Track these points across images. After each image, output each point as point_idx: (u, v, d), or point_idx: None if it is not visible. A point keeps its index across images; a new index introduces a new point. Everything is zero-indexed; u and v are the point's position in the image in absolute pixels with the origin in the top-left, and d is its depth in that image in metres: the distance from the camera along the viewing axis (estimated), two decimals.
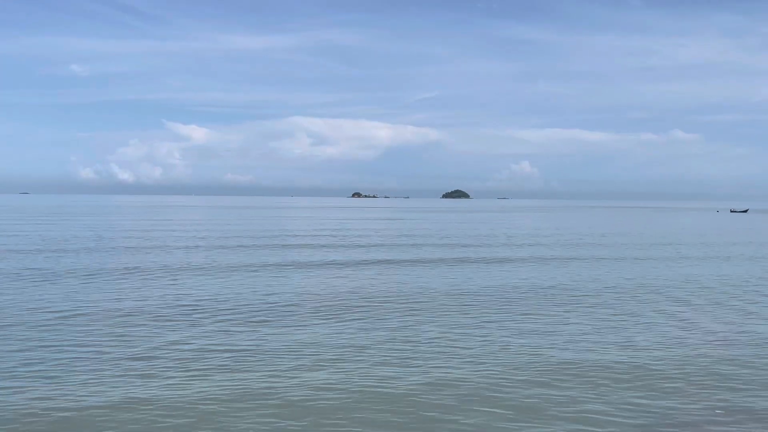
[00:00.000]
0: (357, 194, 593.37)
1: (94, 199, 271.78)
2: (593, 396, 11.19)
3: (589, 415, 10.21)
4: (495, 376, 12.23)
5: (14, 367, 12.41)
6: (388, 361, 13.12)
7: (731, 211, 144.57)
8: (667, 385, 11.89)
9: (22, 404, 10.41)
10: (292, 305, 19.17)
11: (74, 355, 13.28)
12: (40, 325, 15.91)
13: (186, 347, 13.99)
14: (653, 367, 12.88)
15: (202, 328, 15.91)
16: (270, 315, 17.65)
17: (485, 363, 13.05)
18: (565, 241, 47.10)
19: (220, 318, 17.14)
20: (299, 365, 12.74)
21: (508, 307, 19.39)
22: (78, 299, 19.73)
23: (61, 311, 17.75)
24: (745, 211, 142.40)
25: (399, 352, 13.76)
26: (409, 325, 16.43)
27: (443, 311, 18.46)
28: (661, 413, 10.35)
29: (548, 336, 15.45)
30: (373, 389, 11.37)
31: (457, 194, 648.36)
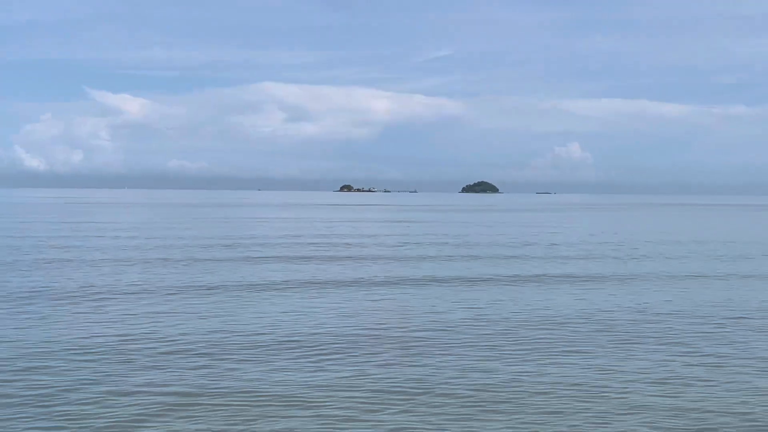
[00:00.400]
0: (347, 187, 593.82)
1: None
2: None
3: None
4: (531, 430, 12.25)
5: None
6: (388, 408, 13.20)
7: None
8: None
9: None
10: (257, 335, 19.24)
11: None
12: None
13: (115, 389, 14.00)
14: (727, 418, 12.96)
15: (136, 365, 15.96)
16: (228, 349, 17.72)
17: (518, 413, 13.13)
18: (627, 251, 47.22)
19: (160, 351, 17.21)
20: (265, 414, 12.83)
21: (549, 339, 19.47)
22: None
23: None
24: None
25: (403, 398, 13.84)
26: (419, 364, 16.51)
27: (462, 346, 18.53)
28: None
29: (605, 377, 15.51)
30: None
31: (482, 187, 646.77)
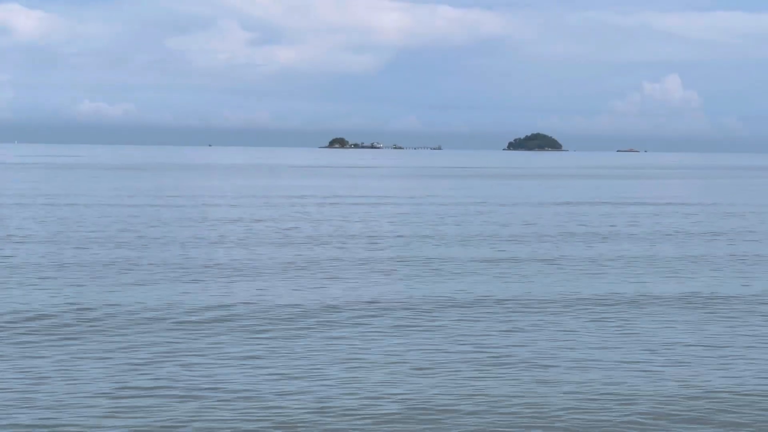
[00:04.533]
0: (339, 142, 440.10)
1: None
2: None
3: None
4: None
5: None
6: None
7: None
8: None
9: None
10: None
11: None
12: None
13: None
14: None
15: None
16: None
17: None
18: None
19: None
20: None
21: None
22: None
23: None
24: None
25: None
26: None
27: None
28: None
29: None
30: None
31: (538, 142, 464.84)
